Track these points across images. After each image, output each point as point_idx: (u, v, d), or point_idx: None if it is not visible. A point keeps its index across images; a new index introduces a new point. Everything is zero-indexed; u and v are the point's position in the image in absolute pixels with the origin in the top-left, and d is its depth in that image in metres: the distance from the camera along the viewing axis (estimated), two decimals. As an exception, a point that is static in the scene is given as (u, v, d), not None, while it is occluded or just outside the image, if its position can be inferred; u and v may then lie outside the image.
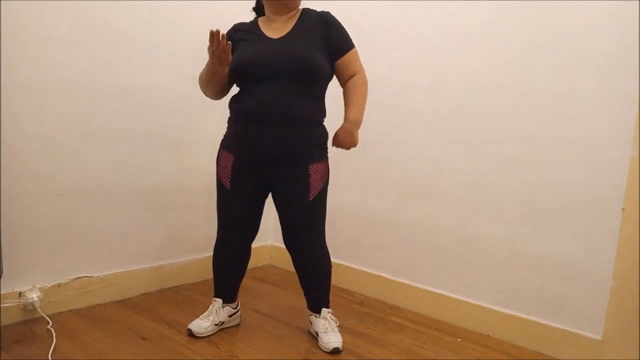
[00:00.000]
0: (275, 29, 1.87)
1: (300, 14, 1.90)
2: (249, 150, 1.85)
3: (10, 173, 1.93)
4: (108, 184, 2.23)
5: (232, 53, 1.79)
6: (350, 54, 1.88)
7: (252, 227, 2.00)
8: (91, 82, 2.13)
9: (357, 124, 1.87)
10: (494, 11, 2.10)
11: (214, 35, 1.66)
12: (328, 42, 1.85)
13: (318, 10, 1.92)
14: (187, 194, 2.56)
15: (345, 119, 1.88)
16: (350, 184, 2.58)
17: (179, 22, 2.39)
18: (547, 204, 1.99)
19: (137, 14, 2.24)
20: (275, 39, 1.84)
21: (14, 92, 1.92)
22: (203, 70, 1.88)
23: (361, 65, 1.92)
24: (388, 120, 2.41)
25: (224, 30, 1.77)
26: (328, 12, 1.90)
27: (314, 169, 1.88)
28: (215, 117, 2.54)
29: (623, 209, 1.80)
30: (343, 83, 1.93)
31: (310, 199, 1.88)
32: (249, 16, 2.04)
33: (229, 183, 1.91)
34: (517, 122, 2.05)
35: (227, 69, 1.83)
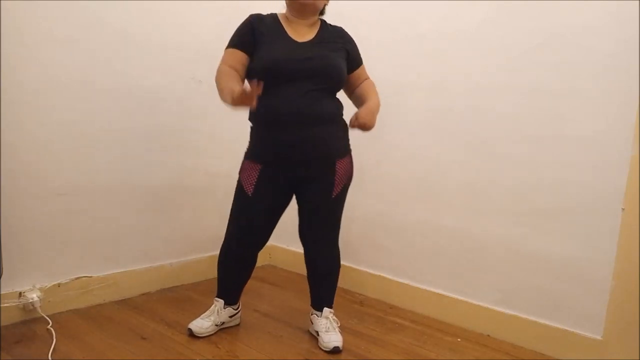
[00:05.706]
0: (299, 32, 1.87)
1: (321, 24, 1.94)
2: (279, 154, 1.84)
3: (10, 173, 1.93)
4: (108, 184, 2.23)
5: (254, 47, 1.81)
6: (362, 66, 2.00)
7: (266, 234, 1.98)
8: (92, 82, 2.13)
9: (378, 107, 1.88)
10: (494, 11, 2.09)
11: (247, 92, 1.56)
12: (348, 56, 1.92)
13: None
14: (188, 194, 2.55)
15: (366, 103, 1.87)
16: (351, 184, 2.57)
17: (180, 22, 2.39)
18: (547, 204, 1.98)
19: (138, 14, 2.24)
20: (302, 42, 1.85)
21: (14, 92, 1.92)
22: (220, 84, 1.77)
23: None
24: (388, 120, 2.39)
25: (238, 23, 1.84)
26: (343, 28, 1.97)
27: (340, 165, 1.91)
28: (215, 117, 2.55)
29: (623, 209, 1.80)
30: (352, 90, 2.00)
31: (333, 197, 1.91)
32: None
33: (251, 189, 1.87)
34: (517, 122, 2.05)
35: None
